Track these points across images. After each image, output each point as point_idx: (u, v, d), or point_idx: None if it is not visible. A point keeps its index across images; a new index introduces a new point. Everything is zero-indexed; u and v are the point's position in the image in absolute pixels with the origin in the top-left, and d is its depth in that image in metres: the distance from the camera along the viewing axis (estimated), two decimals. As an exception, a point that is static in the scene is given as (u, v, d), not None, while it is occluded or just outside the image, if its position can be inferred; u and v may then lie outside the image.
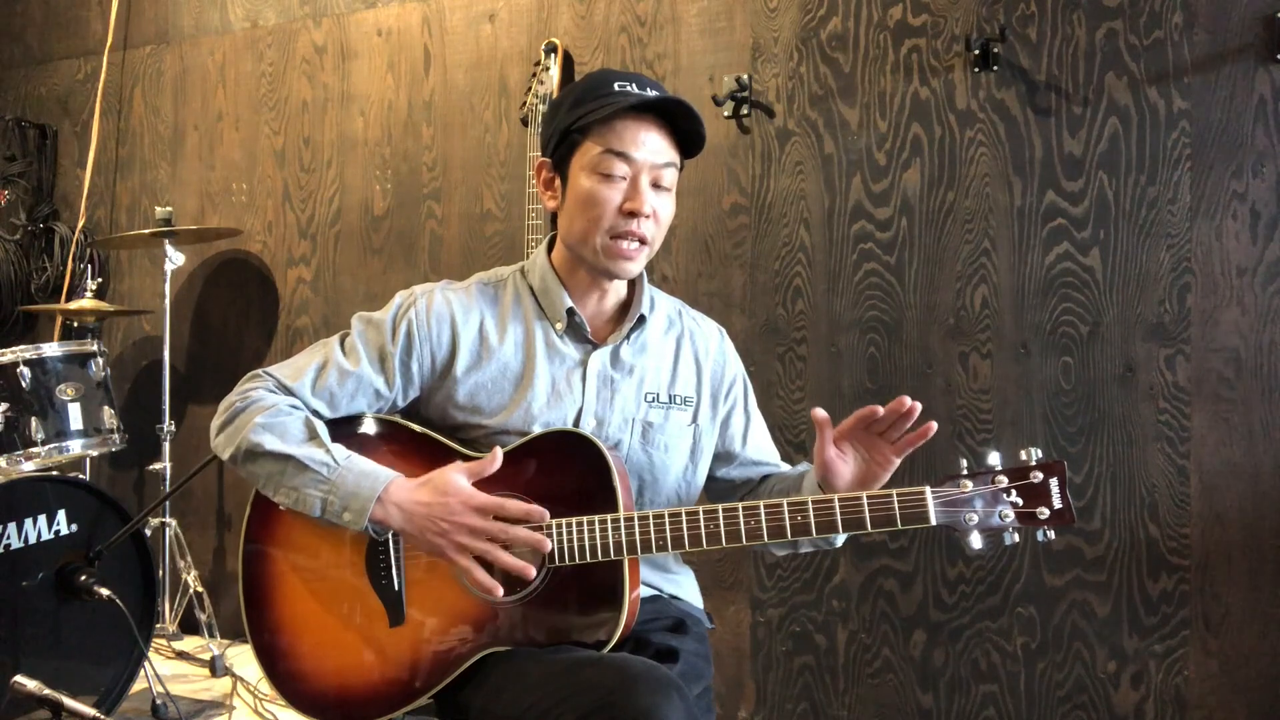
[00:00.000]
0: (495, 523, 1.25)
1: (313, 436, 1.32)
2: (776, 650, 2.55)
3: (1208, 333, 2.19)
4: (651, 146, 1.36)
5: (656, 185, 1.38)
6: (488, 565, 1.26)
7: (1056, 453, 2.28)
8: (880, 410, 1.24)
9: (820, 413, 1.29)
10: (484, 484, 1.29)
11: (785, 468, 1.57)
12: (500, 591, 1.25)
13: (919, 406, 1.23)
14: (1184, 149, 2.21)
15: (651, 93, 1.37)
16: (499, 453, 1.28)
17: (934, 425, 1.23)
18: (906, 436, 1.26)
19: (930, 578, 2.41)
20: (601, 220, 1.36)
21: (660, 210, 1.39)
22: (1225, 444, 2.17)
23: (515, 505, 1.26)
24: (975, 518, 1.21)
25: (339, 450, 1.31)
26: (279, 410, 1.34)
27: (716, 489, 1.56)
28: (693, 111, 1.37)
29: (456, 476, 1.27)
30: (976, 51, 2.33)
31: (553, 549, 1.27)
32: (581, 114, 1.36)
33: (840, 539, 1.43)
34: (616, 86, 1.36)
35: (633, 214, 1.35)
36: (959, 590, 2.38)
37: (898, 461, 1.30)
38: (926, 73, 2.42)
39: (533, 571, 1.25)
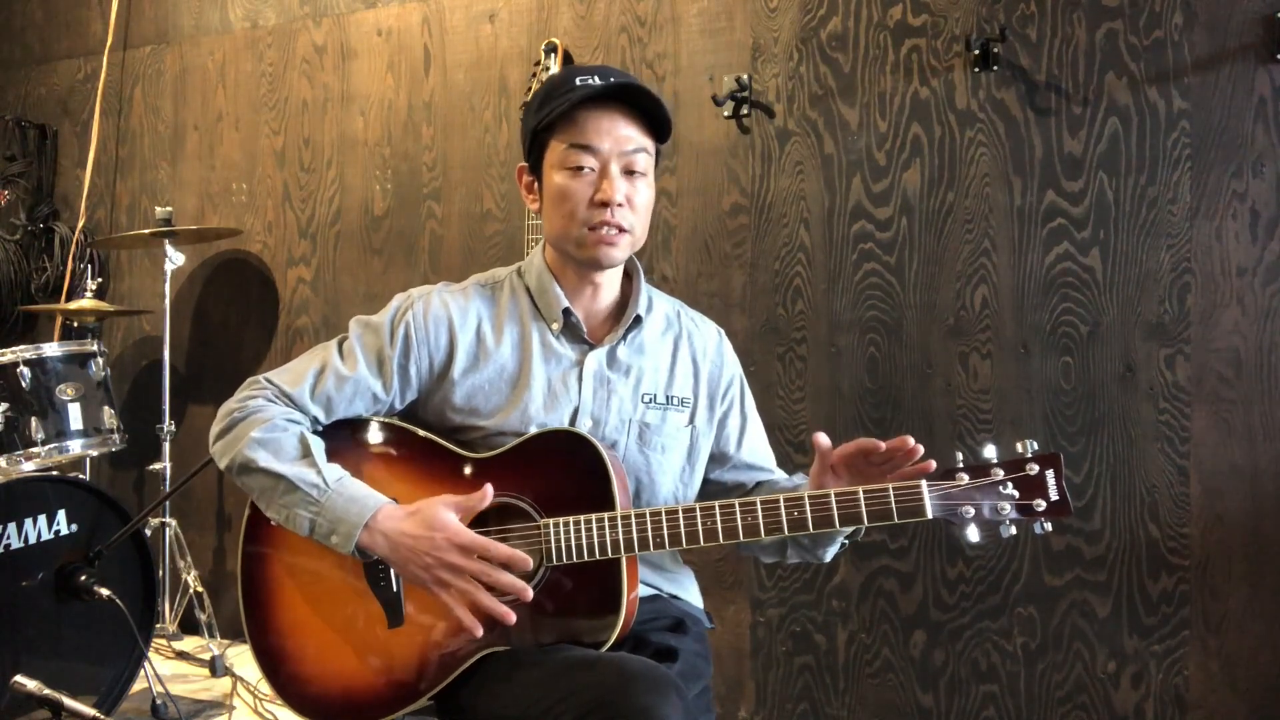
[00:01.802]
0: (478, 564, 1.24)
1: (305, 455, 1.31)
2: (776, 650, 2.55)
3: (1208, 333, 2.19)
4: (617, 134, 1.36)
5: (629, 172, 1.37)
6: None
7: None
8: (883, 446, 1.23)
9: (822, 439, 1.28)
10: (482, 483, 1.29)
11: (780, 475, 1.56)
12: (480, 631, 1.25)
13: (921, 449, 1.22)
14: (1184, 149, 2.21)
15: (614, 81, 1.36)
16: (489, 490, 1.28)
17: (933, 464, 1.22)
18: (904, 469, 1.25)
19: (930, 578, 2.41)
20: (575, 214, 1.36)
21: (635, 197, 1.38)
22: (1225, 444, 2.17)
23: (500, 549, 1.25)
24: (971, 510, 1.21)
25: (331, 471, 1.31)
26: (274, 425, 1.33)
27: (708, 491, 1.54)
28: (649, 92, 1.37)
29: (445, 512, 1.26)
30: (976, 51, 2.33)
31: (550, 548, 1.27)
32: (545, 113, 1.37)
33: (829, 554, 1.43)
34: (578, 81, 1.36)
35: (605, 203, 1.35)
36: (959, 590, 2.38)
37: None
38: (926, 73, 2.42)
39: (513, 617, 1.24)
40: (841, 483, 1.30)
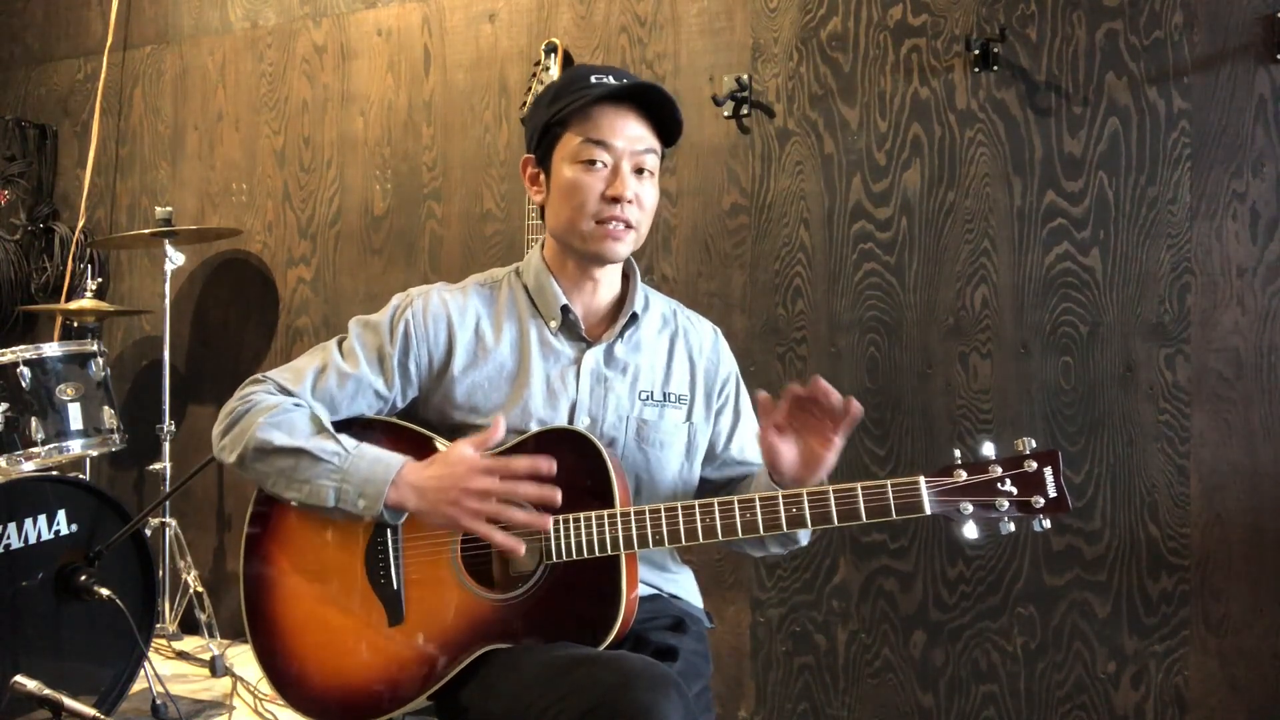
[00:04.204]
0: (503, 483, 1.25)
1: (321, 429, 1.33)
2: (776, 650, 2.55)
3: (1208, 333, 2.19)
4: (630, 133, 1.38)
5: (639, 171, 1.40)
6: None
7: (1056, 453, 2.27)
8: (800, 389, 1.24)
9: (762, 394, 1.28)
10: None
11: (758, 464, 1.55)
12: (522, 549, 1.25)
13: (832, 390, 1.22)
14: (1184, 149, 2.21)
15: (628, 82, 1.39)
16: (501, 420, 1.30)
17: (856, 403, 1.22)
18: (839, 417, 1.24)
19: (930, 578, 2.41)
20: (585, 206, 1.38)
21: (644, 196, 1.40)
22: (1225, 444, 2.17)
23: (520, 461, 1.26)
24: (970, 507, 1.21)
25: (348, 440, 1.32)
26: (283, 408, 1.35)
27: (701, 490, 1.53)
28: (668, 97, 1.39)
29: (462, 447, 1.29)
30: (976, 51, 2.33)
31: (550, 545, 1.27)
32: (560, 107, 1.38)
33: (805, 536, 1.42)
34: (594, 79, 1.38)
35: (616, 199, 1.37)
36: (959, 590, 2.38)
37: (838, 440, 1.26)
38: (926, 73, 2.42)
39: (549, 522, 1.25)
40: (787, 440, 1.29)
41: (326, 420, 1.35)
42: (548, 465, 1.26)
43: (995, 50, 2.32)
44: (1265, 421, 2.15)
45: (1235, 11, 2.17)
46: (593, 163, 1.37)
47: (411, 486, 1.28)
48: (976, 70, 2.36)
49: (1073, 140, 2.30)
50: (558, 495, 1.25)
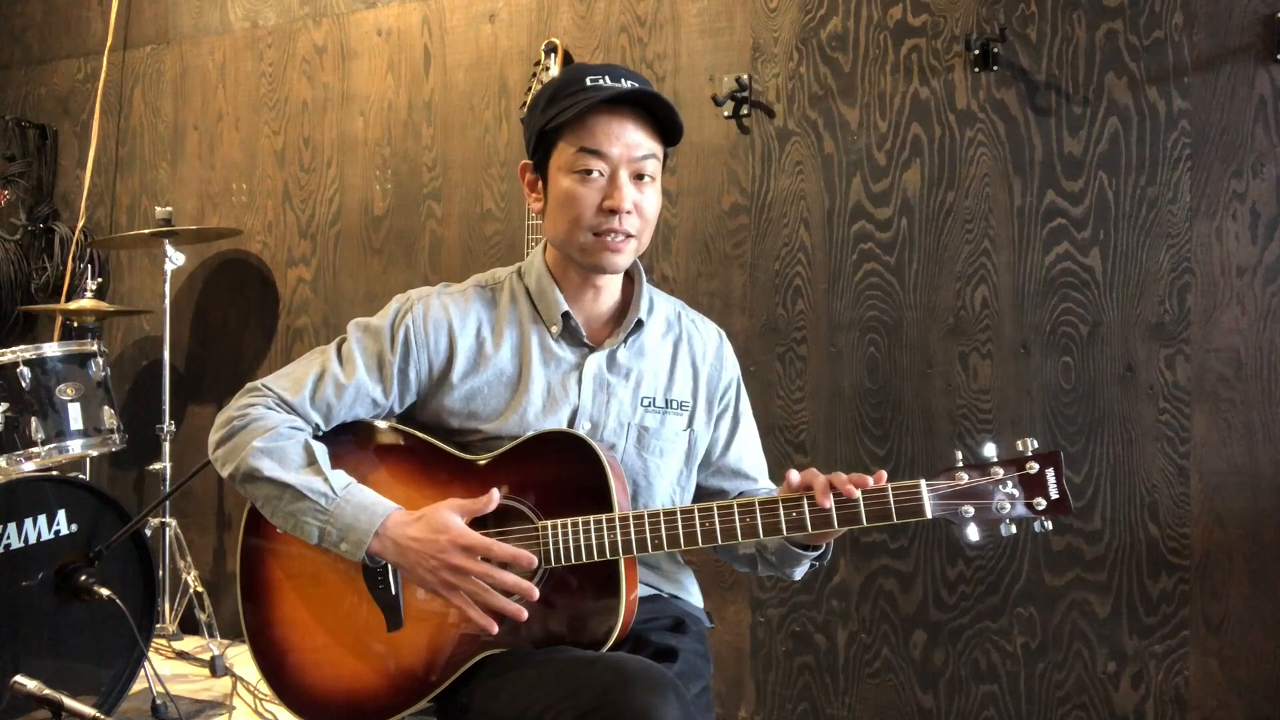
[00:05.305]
0: (482, 564, 1.24)
1: (311, 463, 1.31)
2: (776, 650, 2.55)
3: (1208, 333, 2.19)
4: (628, 140, 1.34)
5: (638, 177, 1.36)
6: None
7: (1056, 453, 2.27)
8: (829, 499, 1.21)
9: (792, 476, 1.26)
10: (481, 485, 1.29)
11: (764, 486, 1.53)
12: (495, 629, 1.24)
13: (858, 494, 1.21)
14: (1184, 149, 2.21)
15: (626, 83, 1.34)
16: (495, 494, 1.27)
17: (884, 473, 1.22)
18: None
19: (930, 578, 2.41)
20: (582, 219, 1.35)
21: (643, 203, 1.36)
22: (1225, 444, 2.17)
23: (503, 549, 1.24)
24: (971, 510, 1.20)
25: (338, 479, 1.30)
26: (278, 433, 1.32)
27: (695, 496, 1.52)
28: (665, 101, 1.34)
29: (450, 515, 1.26)
30: (976, 51, 2.33)
31: (549, 549, 1.27)
32: (554, 114, 1.34)
33: (798, 573, 1.42)
34: (589, 81, 1.33)
35: (613, 211, 1.33)
36: (959, 590, 2.38)
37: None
38: (926, 73, 2.42)
39: (524, 614, 1.24)
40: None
41: (321, 450, 1.33)
42: (528, 559, 1.25)
43: (995, 50, 2.32)
44: (1265, 421, 2.15)
45: (1235, 11, 2.17)
46: (588, 172, 1.33)
47: (394, 541, 1.26)
48: (976, 70, 2.36)
49: (1073, 140, 2.30)
50: (535, 591, 1.24)
